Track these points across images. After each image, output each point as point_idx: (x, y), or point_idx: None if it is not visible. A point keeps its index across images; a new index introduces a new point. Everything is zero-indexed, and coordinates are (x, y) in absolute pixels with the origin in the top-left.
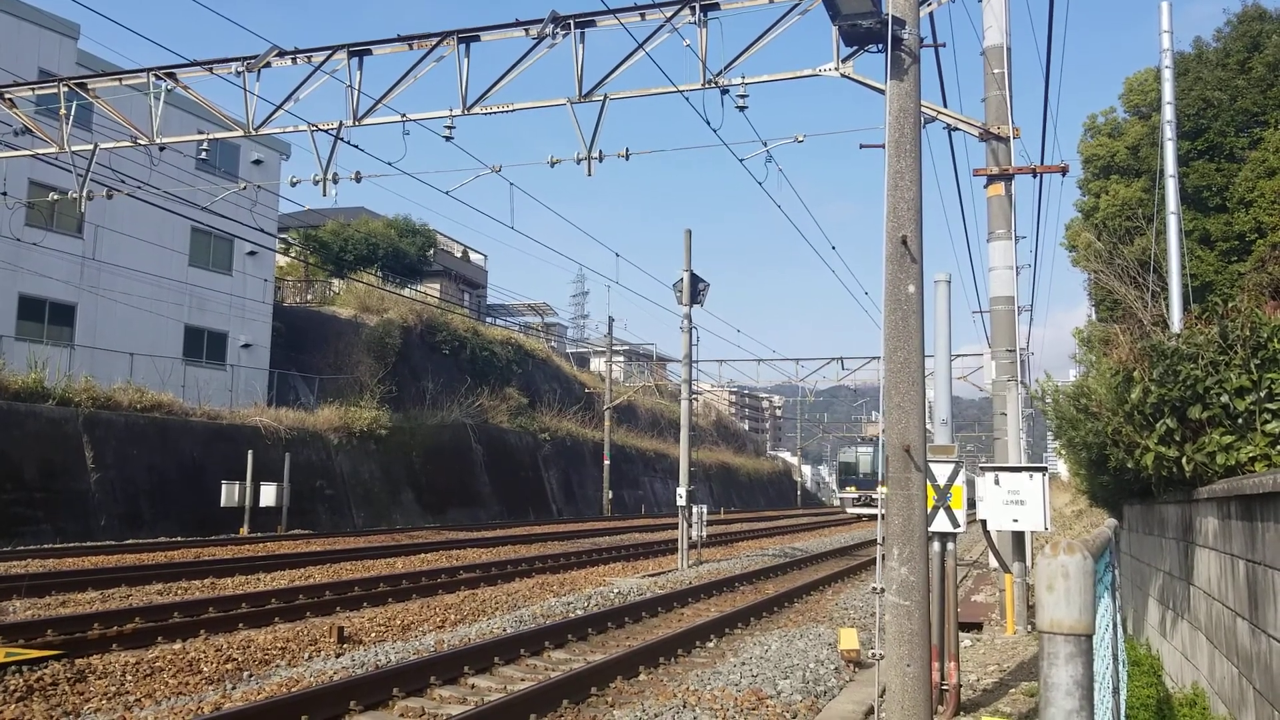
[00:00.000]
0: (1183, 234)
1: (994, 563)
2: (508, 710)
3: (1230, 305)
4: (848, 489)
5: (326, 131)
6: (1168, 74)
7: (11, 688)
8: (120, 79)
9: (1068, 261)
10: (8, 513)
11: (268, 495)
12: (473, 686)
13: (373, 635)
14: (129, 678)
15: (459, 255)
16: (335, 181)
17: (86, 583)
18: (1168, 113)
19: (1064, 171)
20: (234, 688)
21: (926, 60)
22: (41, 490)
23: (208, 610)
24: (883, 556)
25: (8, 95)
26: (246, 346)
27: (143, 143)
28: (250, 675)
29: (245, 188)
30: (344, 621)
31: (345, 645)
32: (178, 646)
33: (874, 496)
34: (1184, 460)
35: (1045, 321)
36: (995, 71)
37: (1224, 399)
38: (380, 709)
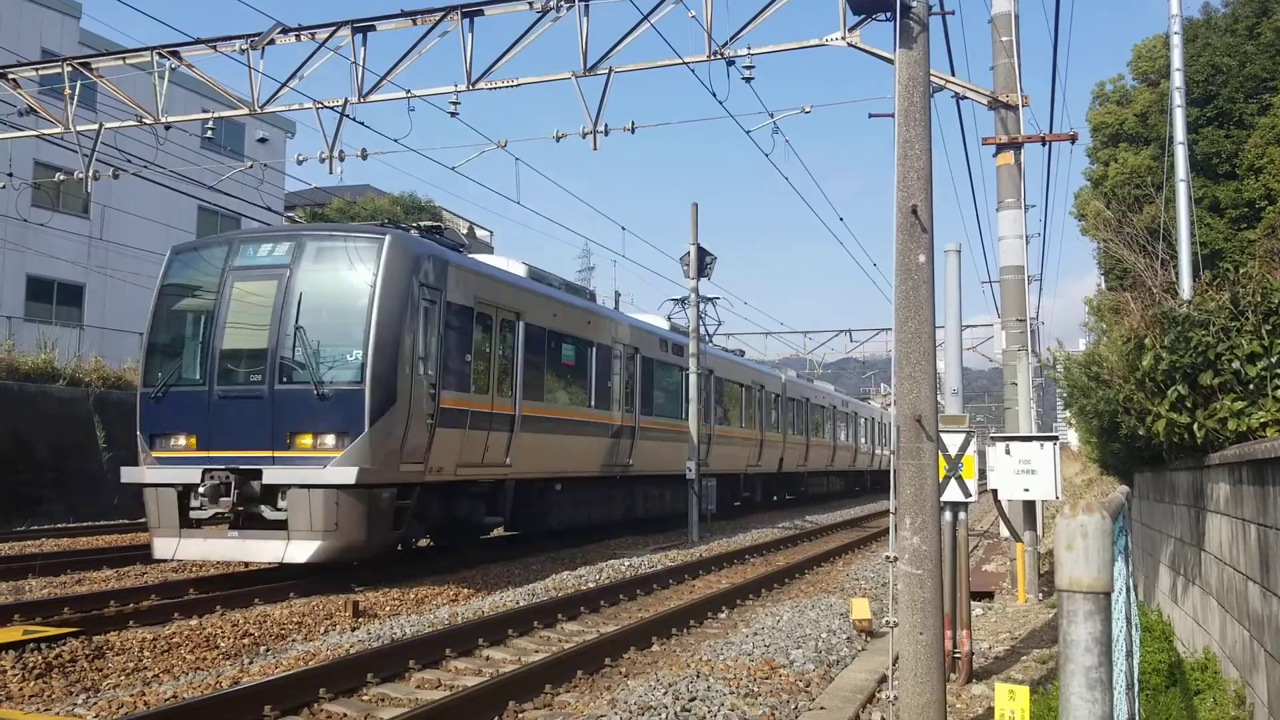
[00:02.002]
0: (1192, 201)
1: (1005, 532)
2: (523, 680)
3: (1242, 271)
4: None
5: (332, 108)
6: (1176, 40)
7: (31, 665)
8: (124, 58)
9: (1077, 230)
10: (21, 493)
11: None
12: (487, 658)
13: (387, 609)
14: (147, 654)
15: (465, 231)
16: (341, 159)
17: (101, 561)
18: (1176, 79)
19: (1073, 139)
20: (251, 662)
21: (934, 28)
22: (53, 470)
23: (223, 586)
24: (895, 526)
25: (11, 75)
26: None
27: (148, 122)
28: (267, 650)
29: (251, 166)
30: (359, 596)
31: (360, 619)
32: (194, 623)
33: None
34: (1195, 426)
35: (1055, 291)
36: (1003, 39)
37: (1235, 365)
38: (397, 681)
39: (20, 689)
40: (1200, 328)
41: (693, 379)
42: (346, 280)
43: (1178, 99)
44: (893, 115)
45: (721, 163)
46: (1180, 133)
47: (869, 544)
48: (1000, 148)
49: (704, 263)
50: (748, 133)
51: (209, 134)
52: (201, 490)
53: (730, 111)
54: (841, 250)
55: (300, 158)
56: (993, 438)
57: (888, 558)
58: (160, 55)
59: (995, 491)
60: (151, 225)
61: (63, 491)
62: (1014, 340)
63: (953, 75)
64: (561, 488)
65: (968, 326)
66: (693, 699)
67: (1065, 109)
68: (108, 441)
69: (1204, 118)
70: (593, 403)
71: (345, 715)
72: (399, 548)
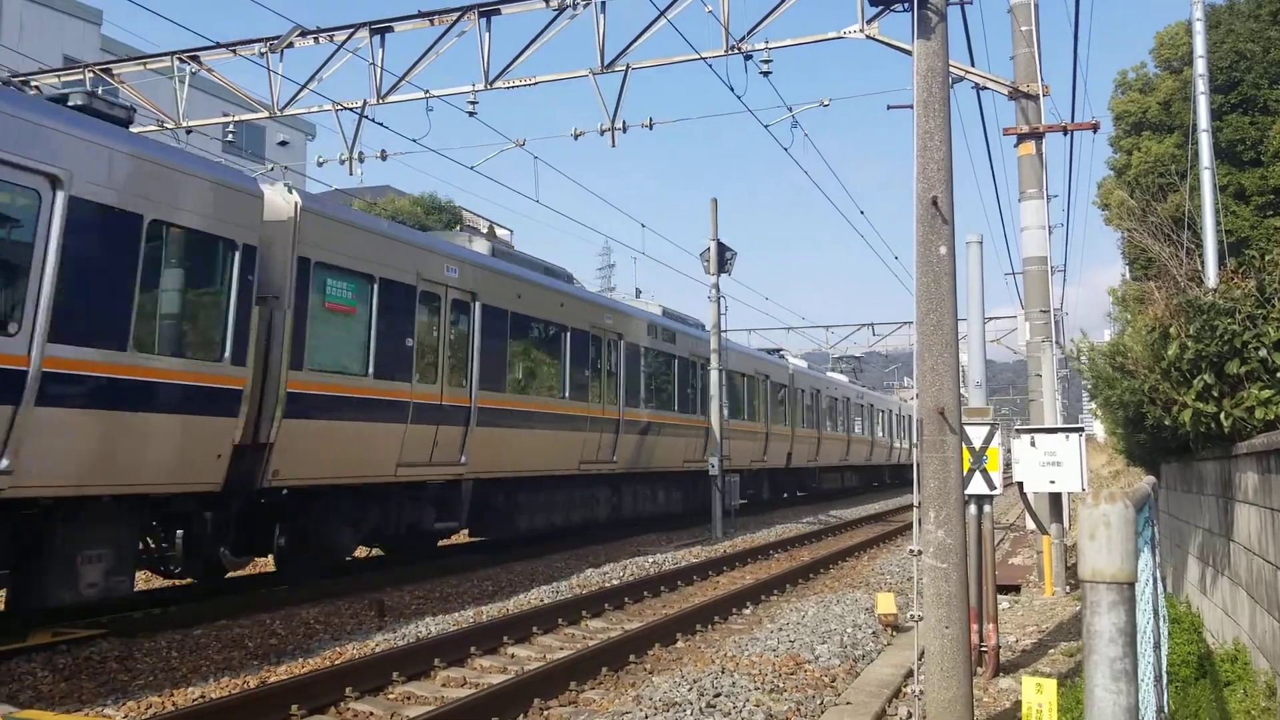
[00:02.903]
0: (1217, 189)
1: (1031, 525)
2: (548, 678)
3: (1268, 258)
4: None
5: (351, 110)
6: (1199, 26)
7: (60, 666)
8: (145, 63)
9: (1100, 220)
10: None
11: None
12: (512, 656)
13: (413, 608)
14: (175, 654)
15: (485, 231)
16: (361, 160)
17: None
18: (1200, 66)
19: (1095, 128)
20: (278, 661)
21: (953, 18)
22: None
23: (249, 586)
24: (919, 520)
25: (34, 82)
26: None
27: (169, 126)
28: (294, 649)
29: (272, 169)
30: (383, 595)
31: (386, 618)
32: (221, 623)
33: None
34: (1222, 416)
35: (1079, 281)
36: (1023, 29)
37: (1262, 353)
38: (423, 679)
39: (51, 689)
40: (1226, 316)
41: (714, 375)
42: None
43: (1201, 86)
44: (912, 107)
45: (741, 158)
46: (1204, 120)
47: (893, 538)
48: (1021, 138)
49: (724, 258)
50: (766, 127)
51: (230, 137)
52: None
53: (749, 106)
54: (863, 243)
55: (320, 160)
56: (1017, 430)
57: (912, 551)
58: (181, 60)
59: (1021, 484)
60: None
61: None
62: (1038, 331)
63: (972, 65)
64: None
65: (991, 318)
66: (718, 695)
67: (1087, 98)
68: None
69: (1228, 104)
70: None
71: (372, 714)
72: None
